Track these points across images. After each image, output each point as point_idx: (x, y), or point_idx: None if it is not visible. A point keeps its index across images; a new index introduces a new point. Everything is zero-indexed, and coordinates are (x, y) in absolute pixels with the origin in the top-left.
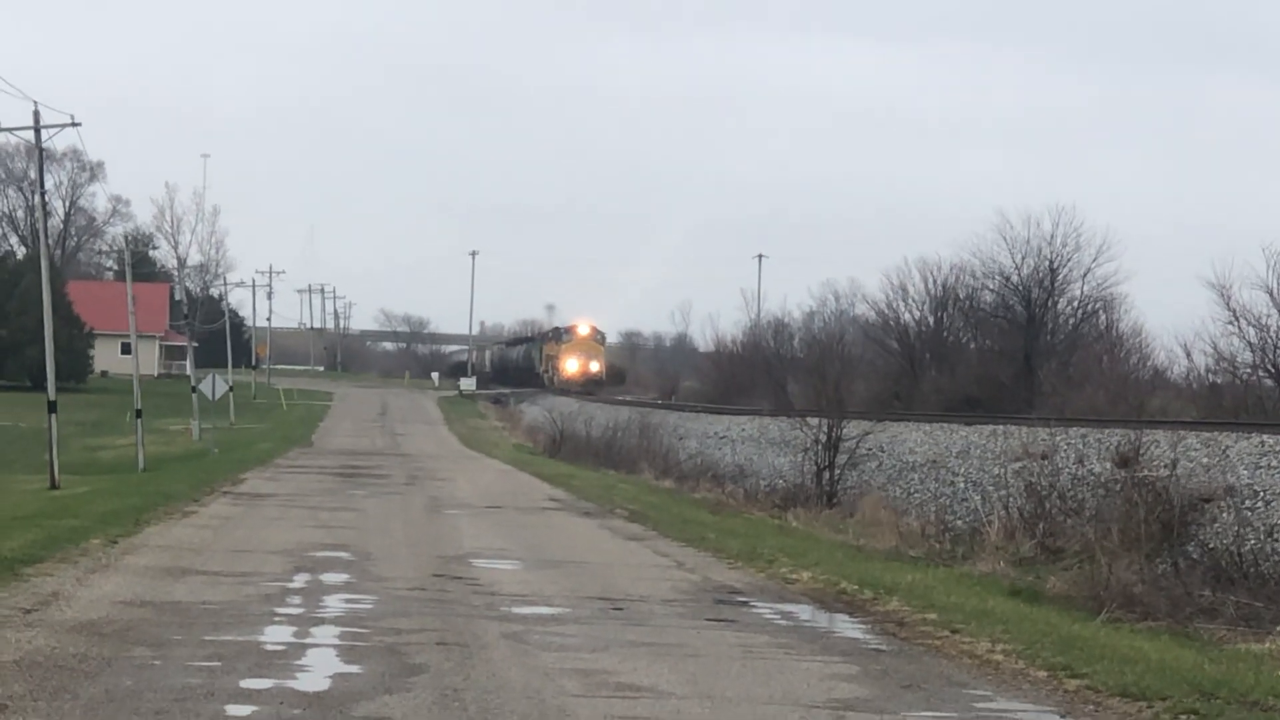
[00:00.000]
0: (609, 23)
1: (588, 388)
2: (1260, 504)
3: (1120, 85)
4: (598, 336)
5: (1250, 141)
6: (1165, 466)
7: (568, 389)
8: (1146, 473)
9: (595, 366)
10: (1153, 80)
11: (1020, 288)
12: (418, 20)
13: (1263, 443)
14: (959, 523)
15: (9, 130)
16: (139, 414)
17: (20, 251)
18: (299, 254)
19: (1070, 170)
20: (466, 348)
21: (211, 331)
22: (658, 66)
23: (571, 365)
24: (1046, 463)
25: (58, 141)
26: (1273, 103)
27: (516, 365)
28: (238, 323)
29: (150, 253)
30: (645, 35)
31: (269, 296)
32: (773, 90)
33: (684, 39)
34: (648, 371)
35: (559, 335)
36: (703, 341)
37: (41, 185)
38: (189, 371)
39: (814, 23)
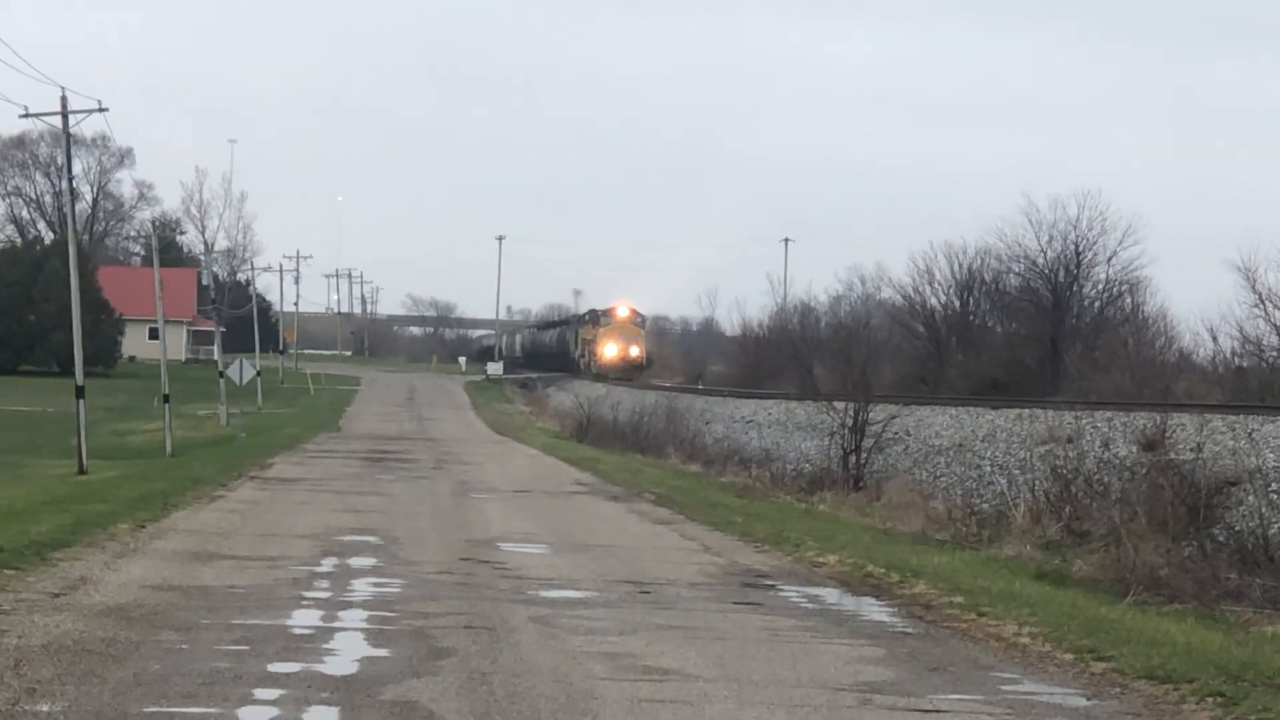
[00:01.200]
0: (634, 4)
1: (627, 374)
2: None
3: (1144, 66)
4: (638, 320)
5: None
6: (1191, 450)
7: (605, 375)
8: (1172, 456)
9: (635, 351)
10: (1175, 61)
11: (1046, 271)
12: (446, 5)
13: None
14: (985, 506)
15: (37, 115)
16: (167, 399)
17: (48, 237)
18: (327, 238)
19: (1096, 153)
20: (493, 332)
21: (239, 316)
22: (681, 47)
23: (610, 350)
24: (1072, 446)
25: (85, 127)
26: None
27: (549, 350)
28: (265, 308)
29: (178, 238)
30: (670, 13)
31: (296, 281)
32: (801, 74)
33: (711, 18)
34: (674, 356)
35: (596, 318)
36: (729, 326)
37: (69, 170)
38: (216, 356)
39: (843, 5)
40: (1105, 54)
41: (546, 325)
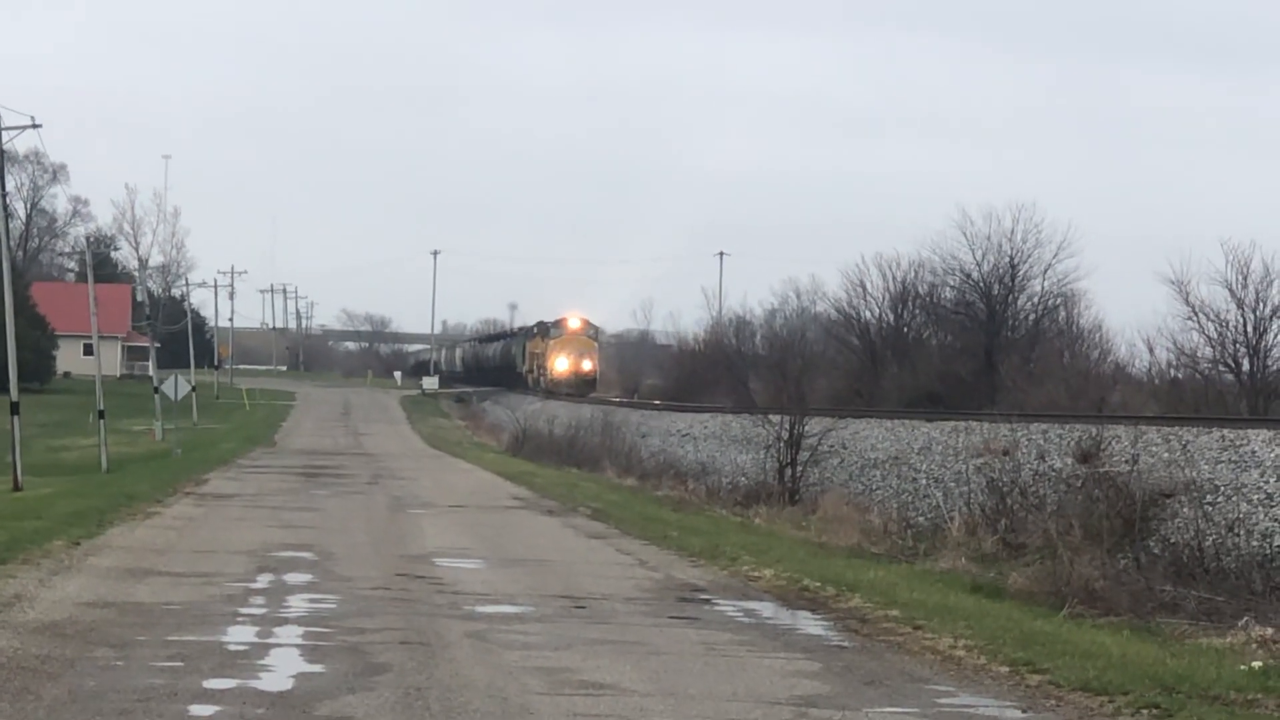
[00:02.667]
0: (559, 18)
1: (580, 389)
2: (1221, 499)
3: (1076, 81)
4: (590, 331)
5: (1205, 140)
6: (1126, 462)
7: (556, 391)
8: (1108, 468)
9: (588, 365)
10: (1105, 76)
11: (981, 284)
12: (369, 19)
13: (1223, 437)
14: (921, 519)
15: None
16: (102, 415)
17: None
18: (261, 254)
19: (1029, 167)
20: (429, 347)
21: (173, 332)
22: (609, 60)
23: (561, 364)
24: (1008, 459)
25: (19, 144)
26: (1226, 101)
27: (493, 364)
28: (200, 323)
29: (112, 254)
30: (596, 25)
31: (231, 297)
32: (732, 88)
33: (636, 31)
34: (610, 369)
35: (546, 330)
36: (665, 339)
37: (2, 186)
38: (151, 372)
39: (769, 19)
40: (1029, 65)
41: (490, 338)
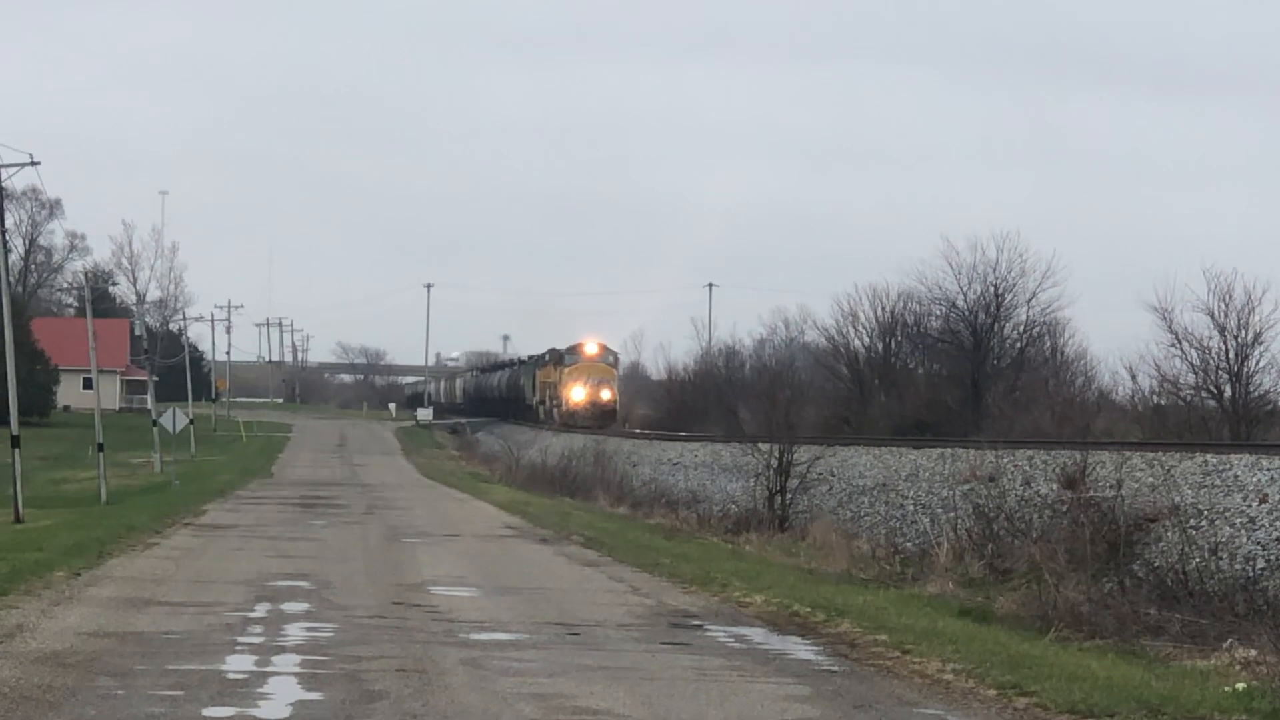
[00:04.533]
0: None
1: (598, 421)
2: (1204, 523)
3: (1063, 110)
4: (608, 357)
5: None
6: (1111, 487)
7: (572, 423)
8: (1092, 493)
9: (607, 395)
10: (1089, 105)
11: (967, 313)
12: (356, 60)
13: (1206, 462)
14: (909, 545)
15: None
16: (101, 448)
17: None
18: (258, 288)
19: (1015, 195)
20: (423, 378)
21: (171, 366)
22: (593, 95)
23: (578, 394)
24: (994, 485)
25: (16, 181)
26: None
27: (497, 395)
28: (197, 357)
29: (110, 289)
30: (578, 61)
31: (228, 331)
32: (722, 119)
33: (606, 69)
34: None
35: (559, 358)
36: (655, 370)
37: (1, 223)
38: (150, 405)
39: (762, 49)
40: (1006, 96)
41: (493, 368)
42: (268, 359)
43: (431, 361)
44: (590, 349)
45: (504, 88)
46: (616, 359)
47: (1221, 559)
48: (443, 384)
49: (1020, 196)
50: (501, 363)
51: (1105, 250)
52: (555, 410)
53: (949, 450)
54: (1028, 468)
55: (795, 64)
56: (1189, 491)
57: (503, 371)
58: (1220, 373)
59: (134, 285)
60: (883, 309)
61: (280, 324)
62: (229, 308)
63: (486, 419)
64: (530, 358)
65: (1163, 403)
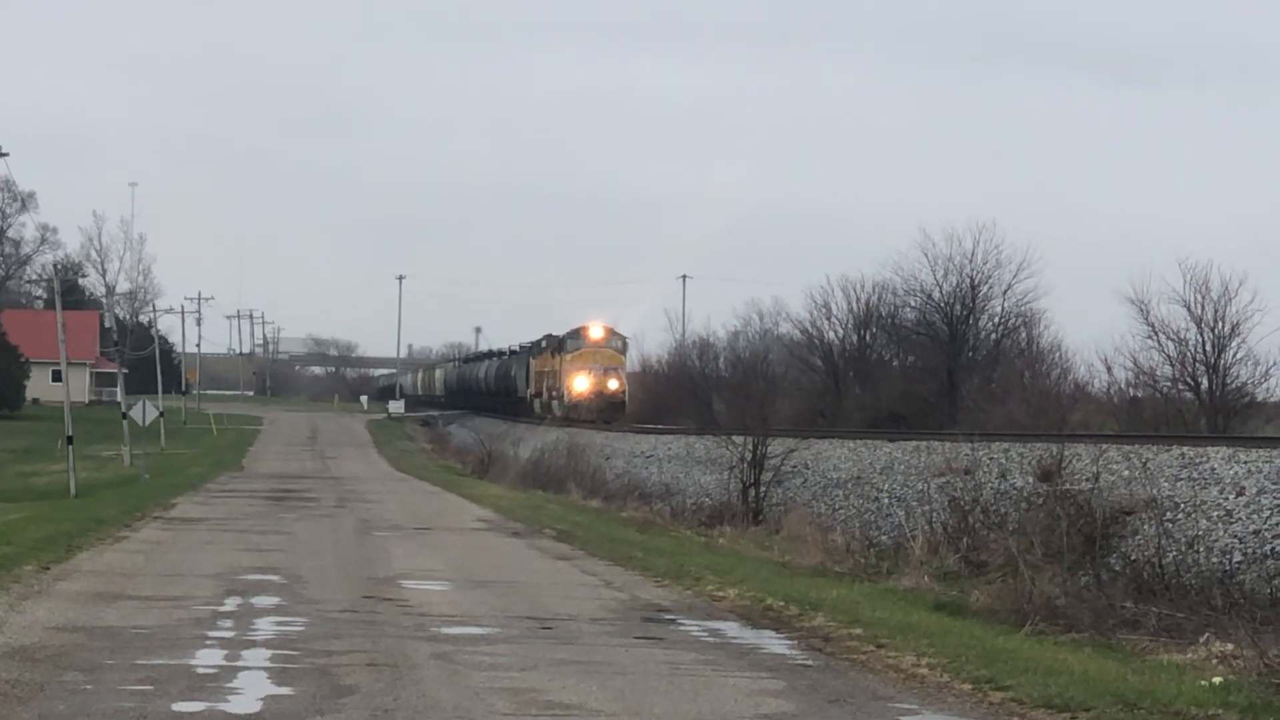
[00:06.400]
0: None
1: (605, 414)
2: (1181, 516)
3: (1037, 102)
4: (615, 342)
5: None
6: (1087, 480)
7: (575, 416)
8: (1068, 486)
9: (614, 384)
10: (1065, 93)
11: (942, 305)
12: (326, 51)
13: (1183, 455)
14: (883, 538)
15: None
16: (70, 441)
17: None
18: (228, 280)
19: (990, 185)
20: (395, 371)
21: (141, 358)
22: (580, 80)
23: (581, 383)
24: (969, 477)
25: None
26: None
27: (483, 387)
28: (167, 349)
29: (79, 281)
30: (540, 49)
31: (198, 323)
32: (694, 109)
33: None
34: None
35: (559, 344)
36: (628, 362)
37: None
38: (119, 398)
39: (734, 36)
40: (981, 83)
41: (477, 358)
42: (238, 351)
43: (404, 354)
44: (595, 332)
45: (464, 78)
46: (625, 344)
47: (1198, 552)
48: (420, 376)
49: (1000, 187)
50: (486, 352)
51: (1076, 240)
52: (555, 402)
53: (924, 443)
54: (1003, 460)
55: (759, 52)
56: (1166, 484)
57: (490, 361)
58: (1197, 365)
59: (103, 277)
60: (857, 301)
61: (251, 316)
62: (199, 299)
63: (460, 412)
64: (525, 345)
65: (1139, 395)
